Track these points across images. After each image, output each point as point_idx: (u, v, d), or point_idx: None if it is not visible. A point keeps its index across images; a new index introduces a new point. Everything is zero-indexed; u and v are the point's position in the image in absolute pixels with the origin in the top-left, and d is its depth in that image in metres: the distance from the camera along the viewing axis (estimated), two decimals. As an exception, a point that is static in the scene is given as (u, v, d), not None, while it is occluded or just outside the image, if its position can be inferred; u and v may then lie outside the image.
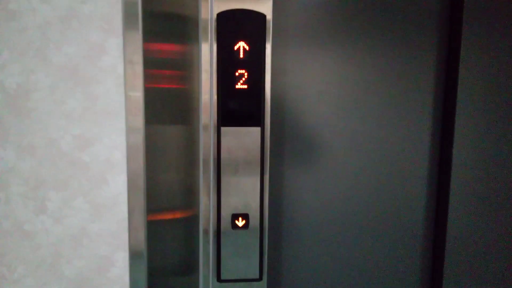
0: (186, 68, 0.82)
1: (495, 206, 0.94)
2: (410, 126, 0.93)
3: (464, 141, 0.90)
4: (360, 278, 0.96)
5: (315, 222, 0.94)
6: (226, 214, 0.82)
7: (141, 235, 0.82)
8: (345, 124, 0.92)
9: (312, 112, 0.91)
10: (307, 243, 0.94)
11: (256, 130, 0.80)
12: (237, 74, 0.79)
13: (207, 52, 0.79)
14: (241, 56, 0.78)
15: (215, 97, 0.79)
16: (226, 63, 0.78)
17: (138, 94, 0.80)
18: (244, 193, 0.81)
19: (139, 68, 0.79)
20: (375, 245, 0.95)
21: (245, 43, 0.78)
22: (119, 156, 0.86)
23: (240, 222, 0.82)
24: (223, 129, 0.80)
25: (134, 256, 0.83)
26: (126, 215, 0.86)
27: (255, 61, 0.78)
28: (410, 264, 0.97)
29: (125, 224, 0.87)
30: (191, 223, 0.84)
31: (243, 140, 0.81)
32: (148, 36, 0.79)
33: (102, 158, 0.86)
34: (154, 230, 0.83)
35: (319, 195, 0.93)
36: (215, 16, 0.77)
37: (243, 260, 0.83)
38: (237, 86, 0.79)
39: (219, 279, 0.83)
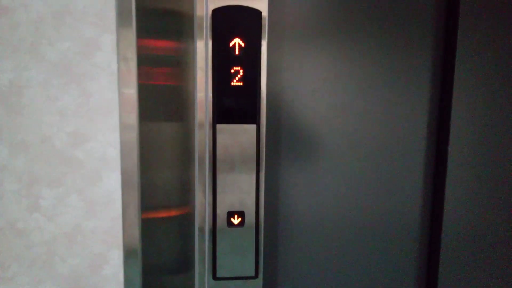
0: (181, 65, 0.81)
1: (490, 205, 0.94)
2: (406, 124, 0.93)
3: (460, 140, 0.90)
4: (356, 275, 0.96)
5: (311, 220, 0.94)
6: (221, 212, 0.81)
7: (136, 232, 0.82)
8: (341, 122, 0.91)
9: (308, 110, 0.90)
10: (303, 240, 0.94)
11: (252, 127, 0.80)
12: (232, 71, 0.78)
13: (202, 49, 0.78)
14: (237, 53, 0.78)
15: (210, 94, 0.79)
16: (222, 60, 0.78)
17: (132, 91, 0.79)
18: (240, 190, 0.81)
19: (133, 65, 0.78)
20: (371, 242, 0.95)
21: (241, 40, 0.77)
22: (113, 153, 0.85)
23: (236, 220, 0.81)
24: (218, 126, 0.80)
25: (128, 253, 0.82)
26: (120, 212, 0.86)
27: (250, 58, 0.78)
28: (406, 260, 0.97)
29: (120, 221, 0.86)
30: (186, 221, 0.84)
31: (239, 137, 0.80)
32: (142, 32, 0.78)
33: (96, 155, 0.85)
34: (149, 227, 0.82)
35: (315, 193, 0.93)
36: (210, 12, 0.77)
37: (239, 258, 0.83)
38: (232, 83, 0.78)
39: (214, 277, 0.83)
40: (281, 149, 0.91)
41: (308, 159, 0.92)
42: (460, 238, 0.93)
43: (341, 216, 0.94)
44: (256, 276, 0.83)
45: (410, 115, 0.93)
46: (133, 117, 0.79)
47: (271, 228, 0.92)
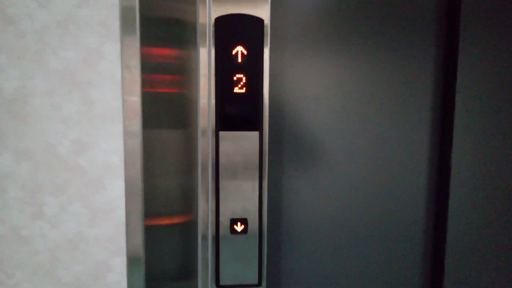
0: (184, 72, 0.82)
1: (494, 207, 0.94)
2: (409, 129, 0.93)
3: (463, 143, 0.91)
4: (361, 282, 0.96)
5: (314, 227, 0.93)
6: (224, 219, 0.81)
7: (139, 240, 0.82)
8: (344, 128, 0.92)
9: (311, 116, 0.91)
10: (306, 247, 0.94)
11: (255, 134, 0.80)
12: (235, 78, 0.79)
13: (205, 57, 0.79)
14: (239, 60, 0.78)
15: (213, 101, 0.79)
16: (224, 67, 0.78)
17: (135, 99, 0.79)
18: (242, 197, 0.81)
19: (136, 73, 0.79)
20: (375, 248, 0.95)
21: (243, 47, 0.78)
22: (117, 160, 0.86)
23: (239, 227, 0.81)
24: (221, 133, 0.80)
25: (131, 261, 0.82)
26: (123, 219, 0.86)
27: (253, 66, 0.78)
28: (411, 267, 0.96)
29: (123, 229, 0.87)
30: (190, 228, 0.84)
31: (242, 144, 0.80)
32: (146, 40, 0.78)
33: (100, 163, 0.86)
34: (152, 235, 0.82)
35: (318, 199, 0.93)
36: (213, 21, 0.77)
37: (242, 266, 0.83)
38: (235, 91, 0.79)
39: (217, 285, 0.83)
40: (284, 156, 0.91)
41: (311, 166, 0.92)
42: (464, 240, 0.93)
43: (345, 222, 0.94)
44: (259, 284, 0.83)
45: (413, 120, 0.93)
46: (136, 125, 0.80)
47: (275, 235, 0.92)
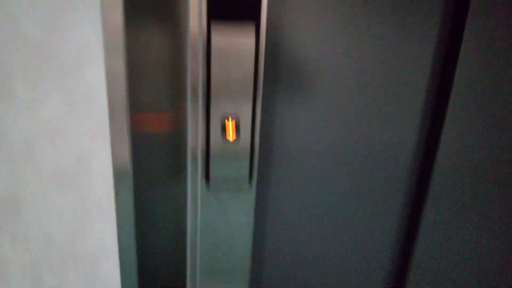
0: None
1: (474, 206, 0.97)
2: (408, 67, 0.87)
3: (454, 133, 0.90)
4: (346, 204, 0.98)
5: (305, 147, 0.91)
6: (215, 121, 0.77)
7: (124, 131, 0.77)
8: (340, 55, 0.84)
9: (307, 42, 0.82)
10: (297, 167, 0.93)
11: (250, 25, 0.72)
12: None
13: None
14: None
15: None
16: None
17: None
18: (235, 100, 0.76)
19: None
20: (363, 171, 0.95)
21: None
22: (95, 45, 0.76)
23: (230, 123, 0.77)
24: (213, 24, 0.71)
25: (115, 151, 0.79)
26: (106, 112, 0.81)
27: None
28: (394, 187, 0.98)
29: (106, 120, 0.81)
30: (179, 134, 0.80)
31: (236, 38, 0.72)
32: None
33: (76, 48, 0.77)
34: (138, 137, 0.78)
35: (310, 122, 0.89)
36: None
37: (233, 167, 0.81)
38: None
39: (207, 178, 0.81)
40: (279, 74, 0.84)
41: (306, 87, 0.86)
42: (440, 234, 0.98)
43: (335, 145, 0.92)
44: (250, 180, 0.83)
45: (413, 58, 0.86)
46: (118, 10, 0.69)
47: (265, 151, 0.90)
